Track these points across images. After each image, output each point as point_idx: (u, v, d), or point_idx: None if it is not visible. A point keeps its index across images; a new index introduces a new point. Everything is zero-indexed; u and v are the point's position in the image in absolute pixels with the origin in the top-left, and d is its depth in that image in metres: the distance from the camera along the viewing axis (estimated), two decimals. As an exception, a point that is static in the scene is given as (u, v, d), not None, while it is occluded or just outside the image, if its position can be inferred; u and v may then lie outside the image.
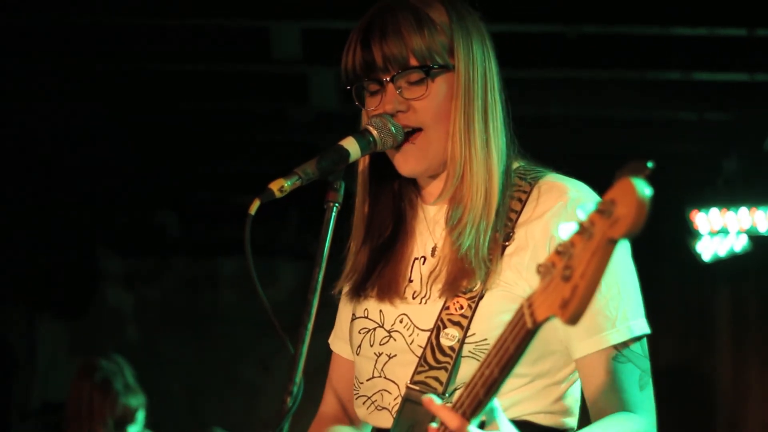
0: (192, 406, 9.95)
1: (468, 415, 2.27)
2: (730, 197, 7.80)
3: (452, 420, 2.29)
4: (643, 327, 2.65)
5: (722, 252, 8.27)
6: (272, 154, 8.23)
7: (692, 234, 8.12)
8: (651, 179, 1.90)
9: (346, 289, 2.91)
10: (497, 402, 2.33)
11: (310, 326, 2.48)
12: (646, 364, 2.66)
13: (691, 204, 7.96)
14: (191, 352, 10.07)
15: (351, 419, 3.06)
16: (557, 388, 2.71)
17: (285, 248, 9.46)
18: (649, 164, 1.91)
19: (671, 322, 9.57)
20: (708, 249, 8.28)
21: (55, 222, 9.53)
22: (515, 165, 2.79)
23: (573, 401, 2.74)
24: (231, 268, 10.20)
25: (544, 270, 2.05)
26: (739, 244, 8.19)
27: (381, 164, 2.82)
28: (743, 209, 7.76)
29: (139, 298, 10.44)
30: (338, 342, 3.06)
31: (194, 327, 10.23)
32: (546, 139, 7.19)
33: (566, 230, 2.01)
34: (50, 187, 8.98)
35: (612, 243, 1.92)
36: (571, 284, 1.97)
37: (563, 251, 2.00)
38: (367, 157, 2.82)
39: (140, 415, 6.08)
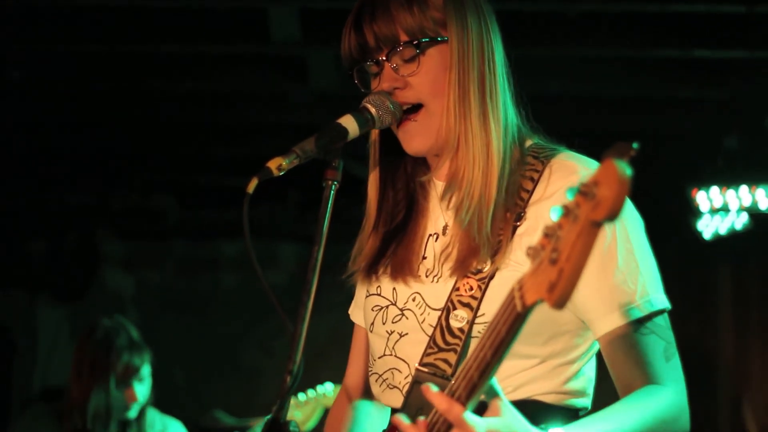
0: (193, 389, 9.95)
1: (464, 399, 2.25)
2: (730, 175, 7.78)
3: (448, 409, 2.28)
4: (663, 301, 2.64)
5: (723, 230, 8.26)
6: (272, 135, 8.21)
7: (693, 212, 8.10)
8: (636, 160, 1.88)
9: (359, 266, 2.90)
10: (498, 385, 2.31)
11: (310, 305, 2.47)
12: (671, 336, 2.65)
13: (692, 182, 7.94)
14: (191, 335, 10.07)
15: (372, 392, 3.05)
16: (569, 368, 2.70)
17: (285, 230, 9.45)
18: (634, 145, 1.89)
19: (672, 301, 9.54)
20: (709, 227, 8.27)
21: (54, 206, 9.52)
22: (528, 143, 2.78)
23: (586, 381, 2.73)
24: (231, 251, 10.19)
25: (533, 252, 2.03)
26: (740, 222, 8.18)
27: (392, 146, 2.82)
28: (744, 187, 7.75)
29: (139, 281, 10.44)
30: (358, 311, 3.06)
31: (194, 310, 10.23)
32: (544, 118, 7.18)
33: (555, 212, 2.00)
34: (50, 171, 8.97)
35: (596, 225, 1.90)
36: (557, 267, 1.96)
37: (551, 234, 1.98)
38: (377, 141, 2.85)
39: (145, 372, 6.04)
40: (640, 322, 2.60)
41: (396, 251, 2.83)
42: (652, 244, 2.71)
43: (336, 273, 2.93)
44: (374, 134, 2.83)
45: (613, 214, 1.86)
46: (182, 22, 6.31)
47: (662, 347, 2.63)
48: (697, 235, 8.32)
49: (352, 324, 3.14)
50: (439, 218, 2.81)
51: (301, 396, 6.13)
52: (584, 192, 1.90)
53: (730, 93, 7.14)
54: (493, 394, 2.30)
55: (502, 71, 2.77)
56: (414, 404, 2.61)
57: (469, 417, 2.26)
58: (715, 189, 7.85)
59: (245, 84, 7.31)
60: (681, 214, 8.18)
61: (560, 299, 1.95)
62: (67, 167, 8.89)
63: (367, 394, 3.07)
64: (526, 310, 2.08)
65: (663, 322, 2.64)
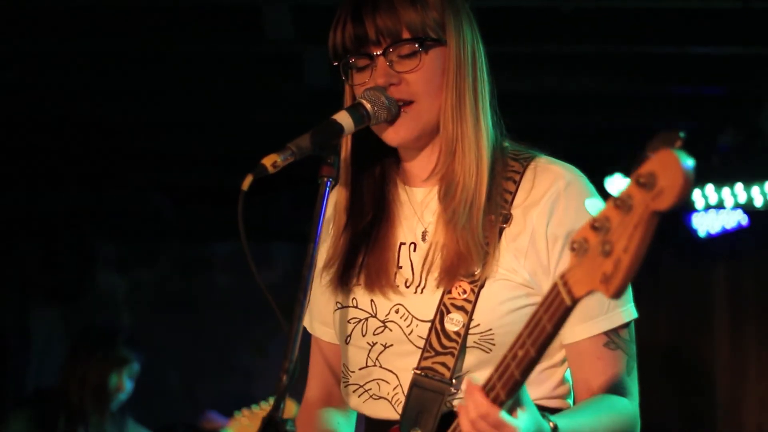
0: (186, 389, 9.94)
1: (503, 397, 2.25)
2: (725, 172, 7.78)
3: (482, 404, 2.27)
4: (632, 312, 2.67)
5: (718, 228, 8.26)
6: (266, 134, 8.19)
7: (688, 210, 8.10)
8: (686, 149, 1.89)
9: (324, 277, 2.87)
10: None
11: (306, 303, 2.46)
12: (633, 349, 2.69)
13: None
14: (185, 335, 10.06)
15: (337, 403, 3.04)
16: (557, 370, 2.73)
17: (278, 229, 9.44)
18: (681, 134, 1.89)
19: (667, 300, 9.58)
20: (703, 225, 8.26)
21: (47, 207, 9.50)
22: (504, 144, 2.78)
23: (568, 388, 2.76)
24: (225, 251, 10.18)
25: (577, 246, 2.03)
26: (735, 219, 8.17)
27: (363, 148, 2.81)
28: (739, 184, 7.74)
29: (132, 282, 10.42)
30: (317, 324, 3.02)
31: (188, 311, 10.22)
32: (539, 115, 7.17)
33: (594, 206, 2.00)
34: (42, 172, 8.95)
35: (656, 215, 1.91)
36: (612, 259, 1.96)
37: (599, 227, 1.98)
38: (349, 142, 2.82)
39: (135, 369, 6.18)
40: (607, 335, 2.64)
41: (367, 260, 2.80)
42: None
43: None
44: (345, 138, 2.79)
45: (678, 204, 1.88)
46: (175, 20, 6.28)
47: (625, 361, 2.66)
48: (692, 234, 8.32)
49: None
50: (416, 225, 2.79)
51: (255, 407, 6.15)
52: (642, 183, 1.90)
53: (725, 89, 7.12)
54: (521, 391, 2.31)
55: (489, 78, 2.78)
56: (413, 409, 2.61)
57: (508, 418, 2.26)
58: (710, 186, 7.84)
59: (238, 82, 7.28)
60: (675, 211, 8.16)
61: (619, 289, 1.97)
62: (59, 168, 8.86)
63: (329, 402, 3.06)
64: (575, 303, 2.09)
65: (628, 336, 2.68)
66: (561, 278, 2.09)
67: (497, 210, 2.66)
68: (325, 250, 2.88)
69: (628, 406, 2.64)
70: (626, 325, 2.66)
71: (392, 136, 2.72)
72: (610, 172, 7.30)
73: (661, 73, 6.90)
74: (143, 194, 9.73)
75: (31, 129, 8.10)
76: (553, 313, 2.13)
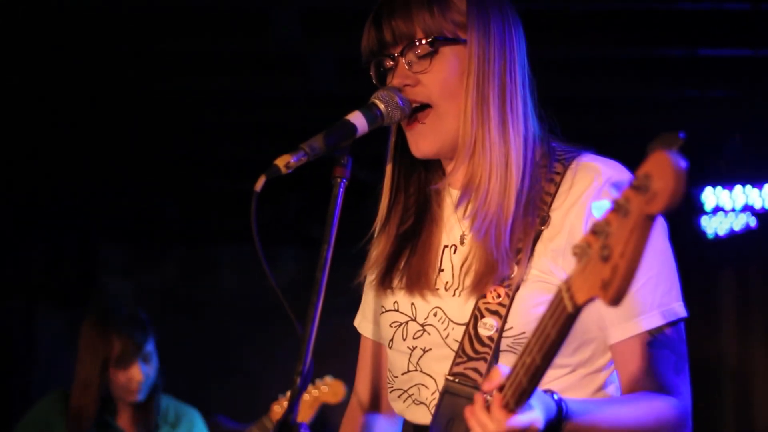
0: (193, 393, 9.89)
1: (512, 405, 2.22)
2: (734, 174, 7.77)
3: (487, 423, 2.27)
4: (679, 311, 2.62)
5: (727, 230, 8.24)
6: (272, 137, 8.18)
7: (696, 212, 8.08)
8: (684, 151, 1.85)
9: (371, 276, 2.87)
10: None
11: (320, 305, 2.45)
12: (683, 348, 2.63)
13: (695, 181, 7.92)
14: (191, 339, 10.03)
15: (384, 407, 3.02)
16: (598, 375, 2.68)
17: (285, 233, 9.42)
18: (681, 135, 1.86)
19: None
20: (712, 227, 8.24)
21: (53, 211, 9.48)
22: (547, 146, 2.75)
23: (615, 389, 2.71)
24: (231, 255, 10.16)
25: (580, 251, 2.00)
26: (744, 221, 8.15)
27: (408, 150, 2.79)
28: (748, 186, 7.73)
29: (138, 286, 10.41)
30: (366, 324, 3.02)
31: (194, 314, 10.20)
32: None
33: (600, 209, 1.96)
34: (48, 176, 8.94)
35: (650, 219, 1.87)
36: (610, 264, 1.92)
37: (599, 231, 1.95)
38: (393, 143, 2.82)
39: (149, 349, 5.91)
40: (653, 334, 2.59)
41: (410, 262, 2.79)
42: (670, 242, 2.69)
43: (340, 274, 2.89)
44: (392, 135, 2.80)
45: (670, 207, 1.83)
46: (181, 22, 6.27)
47: (674, 360, 2.62)
48: (700, 236, 8.30)
49: (354, 326, 3.10)
50: (454, 228, 2.78)
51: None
52: (636, 186, 1.86)
53: (734, 92, 7.11)
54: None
55: (524, 80, 2.74)
56: (444, 416, 2.58)
57: (522, 419, 2.24)
58: (719, 188, 7.83)
59: (245, 84, 7.27)
60: (684, 214, 8.15)
61: (616, 296, 1.92)
62: (64, 172, 8.85)
63: (377, 406, 3.04)
64: (577, 310, 2.04)
65: (677, 334, 2.63)
66: (564, 284, 2.06)
67: (535, 212, 2.64)
68: (371, 254, 2.88)
69: (673, 403, 2.57)
70: (673, 324, 2.60)
71: (414, 149, 2.74)
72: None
73: (670, 75, 6.89)
74: (149, 198, 9.72)
75: (36, 132, 8.08)
76: (556, 320, 2.10)
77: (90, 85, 7.17)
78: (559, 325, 2.09)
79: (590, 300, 2.00)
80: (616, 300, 1.92)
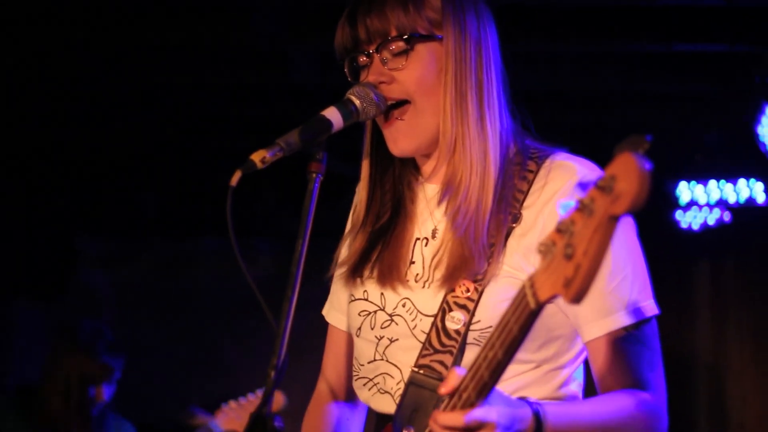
0: (171, 385, 9.90)
1: (473, 398, 2.25)
2: (708, 168, 7.80)
3: (445, 418, 2.30)
4: (652, 308, 2.66)
5: (702, 224, 8.27)
6: (250, 130, 8.17)
7: (671, 206, 8.11)
8: (650, 153, 1.88)
9: (342, 269, 2.89)
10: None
11: (294, 299, 2.46)
12: (656, 344, 2.67)
13: (672, 176, 7.94)
14: (170, 332, 10.02)
15: (349, 396, 3.05)
16: (561, 372, 2.71)
17: (262, 227, 9.41)
18: (648, 138, 1.88)
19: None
20: (688, 221, 8.27)
21: (30, 204, 9.45)
22: (521, 143, 2.77)
23: (577, 386, 2.75)
24: (209, 248, 10.14)
25: (544, 249, 2.02)
26: (720, 216, 8.19)
27: (383, 146, 2.81)
28: (723, 181, 7.77)
29: (116, 279, 10.38)
30: (335, 313, 3.05)
31: (173, 307, 10.18)
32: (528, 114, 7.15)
33: (566, 208, 1.98)
34: (25, 169, 8.90)
35: (614, 219, 1.90)
36: (573, 263, 1.94)
37: (564, 229, 1.97)
38: (369, 140, 2.85)
39: (116, 376, 6.15)
40: (628, 330, 2.62)
41: (382, 255, 2.82)
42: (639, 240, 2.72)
43: (315, 268, 2.91)
44: (367, 131, 2.82)
45: (634, 208, 1.86)
46: (162, 15, 6.26)
47: (648, 356, 2.65)
48: (676, 230, 8.33)
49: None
50: (427, 221, 2.80)
51: (242, 399, 6.17)
52: (601, 186, 1.89)
53: (711, 87, 7.14)
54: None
55: (499, 76, 2.76)
56: (408, 407, 2.61)
57: (479, 414, 2.26)
58: (694, 183, 7.87)
59: (225, 78, 7.25)
60: (660, 208, 8.18)
61: (578, 294, 1.94)
62: (42, 164, 8.82)
63: (342, 394, 3.08)
64: (540, 307, 2.07)
65: (650, 330, 2.66)
66: (528, 280, 2.09)
67: (507, 209, 2.66)
68: (346, 246, 2.91)
69: (649, 399, 2.60)
70: (647, 321, 2.64)
71: (393, 147, 2.76)
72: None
73: (646, 70, 6.90)
74: (127, 191, 9.69)
75: (11, 124, 8.05)
76: (519, 316, 2.12)
77: (66, 77, 7.15)
78: (522, 321, 2.12)
79: (552, 297, 2.03)
80: (577, 298, 1.95)
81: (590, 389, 2.76)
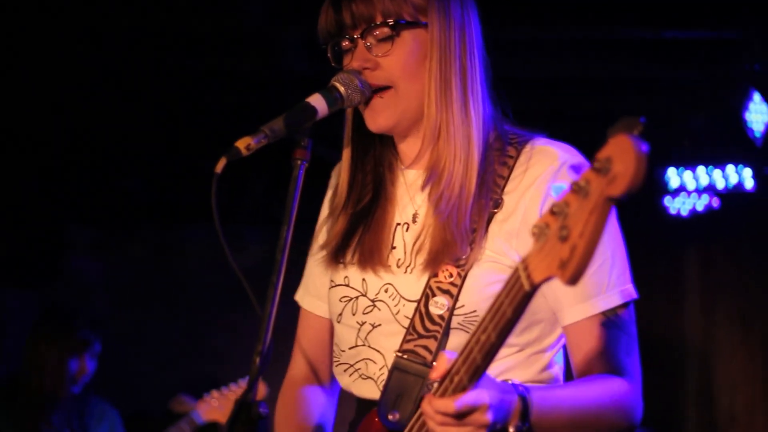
0: (160, 372, 9.91)
1: (465, 381, 2.26)
2: (697, 155, 7.81)
3: (438, 404, 2.30)
4: (632, 292, 2.69)
5: (691, 210, 8.29)
6: (240, 116, 8.16)
7: (660, 192, 8.12)
8: (645, 135, 1.88)
9: (320, 253, 2.89)
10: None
11: (279, 285, 2.47)
12: (633, 330, 2.70)
13: (659, 162, 7.95)
14: (159, 319, 10.02)
15: (321, 381, 3.05)
16: (544, 355, 2.73)
17: (252, 213, 9.41)
18: (642, 120, 1.89)
19: (638, 282, 9.57)
20: (676, 207, 8.29)
21: (19, 193, 9.44)
22: (501, 129, 2.78)
23: (558, 369, 2.77)
24: (199, 235, 10.14)
25: (538, 231, 2.03)
26: (708, 202, 8.20)
27: (365, 129, 2.81)
28: (712, 167, 7.78)
29: (106, 267, 10.38)
30: (310, 298, 3.05)
31: (162, 294, 10.18)
32: (512, 99, 7.15)
33: (558, 190, 1.99)
34: (13, 156, 8.89)
35: (610, 201, 1.91)
36: (569, 244, 1.96)
37: (558, 211, 1.98)
38: (350, 123, 2.85)
39: (97, 349, 6.17)
40: (606, 315, 2.64)
41: (363, 239, 2.82)
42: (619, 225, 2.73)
43: (301, 255, 2.92)
44: (348, 114, 2.83)
45: (631, 190, 1.86)
46: (148, 2, 6.25)
47: (626, 341, 2.67)
48: (665, 216, 8.35)
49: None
50: (407, 207, 2.81)
51: (224, 389, 6.20)
52: (597, 168, 1.90)
53: (697, 73, 7.15)
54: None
55: (483, 60, 2.78)
56: (393, 391, 2.62)
57: (471, 398, 2.27)
58: (682, 168, 7.88)
59: (212, 64, 7.25)
60: (648, 194, 8.19)
61: (574, 275, 1.95)
62: (31, 152, 8.81)
63: (314, 378, 3.07)
64: (534, 288, 2.08)
65: (628, 315, 2.69)
66: (522, 263, 2.09)
67: (488, 195, 2.68)
68: (325, 229, 2.91)
69: (624, 385, 2.63)
70: (625, 306, 2.67)
71: (371, 122, 2.76)
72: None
73: (633, 56, 6.91)
74: (116, 178, 9.68)
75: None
76: (513, 298, 2.13)
77: (54, 65, 7.13)
78: (516, 303, 2.13)
79: (547, 279, 2.03)
80: (573, 279, 1.96)
81: (568, 373, 2.78)
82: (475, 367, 2.24)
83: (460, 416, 2.28)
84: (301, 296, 3.07)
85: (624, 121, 1.91)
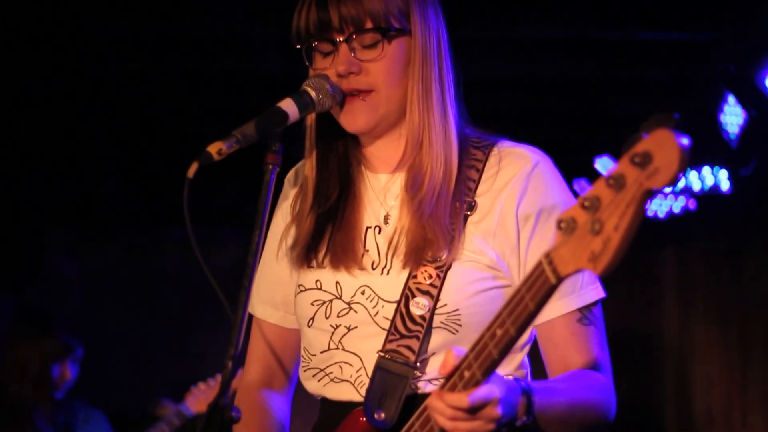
0: (139, 374, 9.90)
1: (479, 376, 2.28)
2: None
3: (451, 398, 2.31)
4: (600, 291, 2.73)
5: (668, 212, 8.32)
6: (216, 118, 8.15)
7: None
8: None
9: (291, 255, 2.88)
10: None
11: (251, 289, 2.48)
12: (603, 326, 2.74)
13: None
14: (137, 320, 10.01)
15: (276, 386, 3.04)
16: (517, 356, 2.77)
17: (230, 214, 9.40)
18: (676, 116, 1.93)
19: (616, 282, 9.59)
20: (653, 209, 8.32)
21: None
22: (465, 132, 2.81)
23: (528, 369, 2.81)
24: (176, 236, 10.12)
25: (565, 225, 2.04)
26: (685, 203, 8.23)
27: (326, 125, 2.82)
28: (688, 169, 7.79)
29: (83, 267, 10.35)
30: (262, 306, 3.03)
31: (140, 295, 10.17)
32: (487, 101, 7.16)
33: (581, 184, 2.01)
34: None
35: (648, 194, 1.94)
36: (601, 237, 1.98)
37: (589, 205, 1.99)
38: (313, 119, 2.83)
39: (79, 354, 6.15)
40: (583, 312, 2.68)
41: (334, 238, 2.81)
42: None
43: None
44: (310, 116, 2.82)
45: (672, 183, 1.91)
46: (123, 2, 6.23)
47: (599, 337, 2.72)
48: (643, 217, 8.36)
49: None
50: (379, 209, 2.81)
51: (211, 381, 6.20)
52: (637, 162, 1.92)
53: (673, 75, 7.16)
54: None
55: (453, 65, 2.81)
56: (377, 391, 2.63)
57: (484, 393, 2.29)
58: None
59: (189, 66, 7.23)
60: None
61: (607, 267, 1.99)
62: (7, 154, 8.78)
63: (269, 384, 3.06)
64: (559, 281, 2.11)
65: (599, 312, 2.73)
66: (546, 257, 2.11)
67: (461, 198, 2.70)
68: (290, 231, 2.90)
69: (603, 380, 2.68)
70: (596, 303, 2.71)
71: (350, 123, 2.75)
72: (555, 157, 7.32)
73: (607, 57, 6.92)
74: (93, 180, 9.65)
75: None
76: (536, 291, 2.15)
77: (30, 65, 7.11)
78: (540, 296, 2.15)
79: (576, 272, 2.06)
80: (606, 271, 1.99)
81: (536, 373, 2.81)
82: (490, 361, 2.26)
83: (473, 410, 2.30)
84: (253, 305, 3.04)
85: (658, 117, 1.95)
